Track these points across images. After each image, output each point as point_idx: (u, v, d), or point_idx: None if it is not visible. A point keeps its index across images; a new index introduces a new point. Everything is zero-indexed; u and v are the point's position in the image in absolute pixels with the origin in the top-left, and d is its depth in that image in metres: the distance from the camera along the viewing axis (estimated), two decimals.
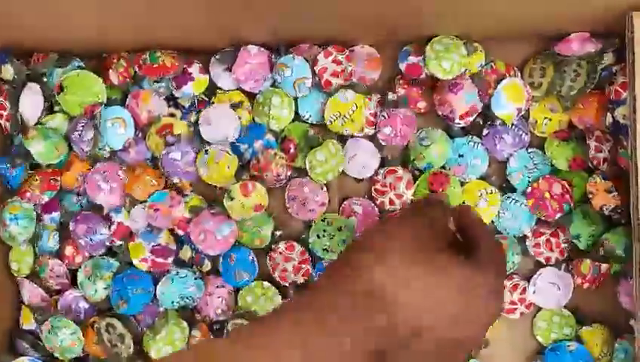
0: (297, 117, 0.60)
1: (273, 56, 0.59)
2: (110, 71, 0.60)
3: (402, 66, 0.59)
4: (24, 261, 0.62)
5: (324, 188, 0.60)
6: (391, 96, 0.59)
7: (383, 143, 0.59)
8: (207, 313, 0.61)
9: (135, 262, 0.60)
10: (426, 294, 0.40)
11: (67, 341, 0.61)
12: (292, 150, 0.60)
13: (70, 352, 0.62)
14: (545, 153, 0.59)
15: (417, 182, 0.59)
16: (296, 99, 0.60)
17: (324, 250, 0.59)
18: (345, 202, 0.61)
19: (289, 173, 0.60)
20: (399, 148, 0.60)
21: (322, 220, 0.59)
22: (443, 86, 0.58)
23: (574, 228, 0.58)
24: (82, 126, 0.59)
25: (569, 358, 0.58)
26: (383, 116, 0.59)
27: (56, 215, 0.62)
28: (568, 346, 0.58)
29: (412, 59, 0.58)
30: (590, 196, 0.57)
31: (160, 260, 0.60)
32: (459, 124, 0.58)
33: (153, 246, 0.60)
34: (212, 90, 0.61)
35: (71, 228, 0.61)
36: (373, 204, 0.60)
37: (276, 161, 0.59)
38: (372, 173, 0.60)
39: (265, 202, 0.59)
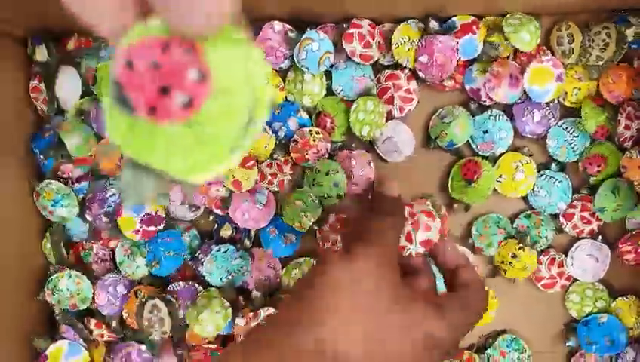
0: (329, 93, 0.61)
1: (294, 34, 0.58)
2: None
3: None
4: (54, 248, 0.62)
5: (371, 165, 0.60)
6: (433, 24, 0.58)
7: (420, 74, 0.58)
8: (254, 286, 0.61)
9: (127, 234, 0.60)
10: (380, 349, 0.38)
11: (72, 287, 0.61)
12: (328, 124, 0.60)
13: (84, 292, 0.61)
14: (576, 118, 0.58)
15: (451, 175, 0.60)
16: (328, 73, 0.60)
17: (320, 197, 0.59)
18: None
19: (328, 146, 0.59)
20: (435, 77, 0.58)
21: (311, 170, 0.60)
22: (508, 65, 0.58)
23: (599, 201, 0.58)
24: None
25: (600, 330, 0.58)
26: (422, 44, 0.58)
27: (85, 184, 0.62)
28: (599, 318, 0.59)
29: (453, 39, 0.58)
30: (623, 171, 0.57)
31: (151, 228, 0.60)
32: (485, 101, 0.59)
33: (142, 217, 0.60)
34: None
35: (88, 217, 0.61)
36: None
37: (313, 136, 0.59)
38: (402, 159, 0.60)
39: (247, 187, 0.59)
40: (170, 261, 0.60)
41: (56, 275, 0.61)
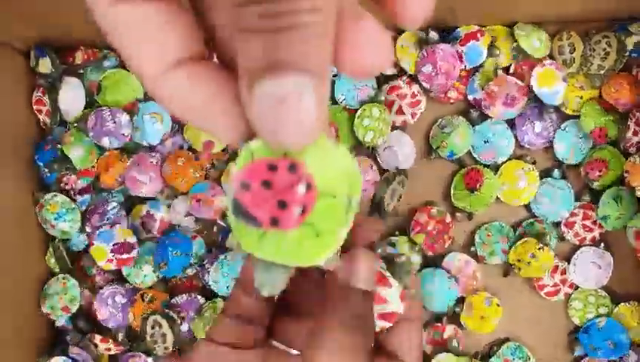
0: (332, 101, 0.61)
1: None
2: None
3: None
4: (59, 261, 0.62)
5: (374, 168, 0.60)
6: (432, 34, 0.58)
7: (425, 85, 0.59)
8: None
9: (102, 264, 0.60)
10: None
11: (58, 288, 0.61)
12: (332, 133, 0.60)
13: (70, 291, 0.61)
14: (577, 119, 0.59)
15: (453, 184, 0.60)
16: (331, 82, 0.60)
17: None
18: None
19: None
20: (441, 87, 0.58)
21: None
22: (506, 84, 0.58)
23: (602, 209, 0.58)
24: (119, 116, 0.59)
25: (600, 335, 0.59)
26: (423, 55, 0.58)
27: (87, 197, 0.62)
28: (598, 323, 0.59)
29: (458, 46, 0.58)
30: (626, 175, 0.57)
31: (124, 256, 0.60)
32: (486, 112, 0.59)
33: (113, 245, 0.60)
34: None
35: (87, 228, 0.61)
36: None
37: None
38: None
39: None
40: (178, 261, 0.60)
41: (47, 284, 0.61)
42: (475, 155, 0.60)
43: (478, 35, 0.58)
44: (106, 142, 0.59)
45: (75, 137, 0.60)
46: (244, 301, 0.36)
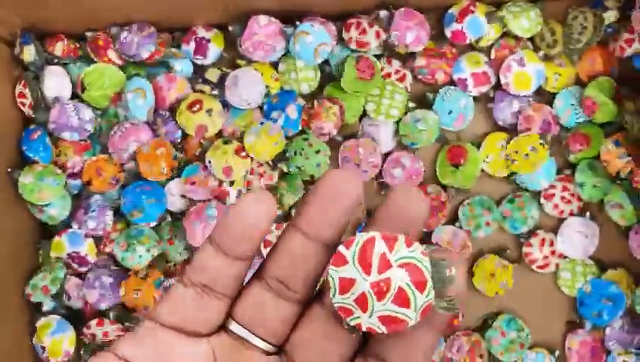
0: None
1: (288, 30, 0.58)
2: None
3: (448, 32, 0.59)
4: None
5: (376, 150, 0.60)
6: (383, 13, 0.59)
7: (415, 48, 0.59)
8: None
9: (52, 255, 0.60)
10: None
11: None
12: (337, 110, 0.59)
13: (55, 272, 0.59)
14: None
15: (438, 161, 0.61)
16: (325, 60, 0.60)
17: (297, 167, 0.60)
18: None
19: (334, 132, 0.59)
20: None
21: (304, 139, 0.59)
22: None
23: (579, 175, 0.60)
24: (83, 111, 0.59)
25: (593, 297, 0.59)
26: (393, 29, 0.58)
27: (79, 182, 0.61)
28: (585, 289, 0.60)
29: (456, 25, 0.59)
30: (605, 164, 0.59)
31: (75, 265, 0.60)
32: (470, 93, 0.60)
33: (72, 252, 0.59)
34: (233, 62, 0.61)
35: (74, 225, 0.60)
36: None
37: (328, 114, 0.58)
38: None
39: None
40: (154, 207, 0.59)
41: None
42: (449, 128, 0.61)
43: (471, 7, 0.59)
44: (67, 135, 0.59)
45: (46, 172, 0.59)
46: (215, 263, 0.28)
